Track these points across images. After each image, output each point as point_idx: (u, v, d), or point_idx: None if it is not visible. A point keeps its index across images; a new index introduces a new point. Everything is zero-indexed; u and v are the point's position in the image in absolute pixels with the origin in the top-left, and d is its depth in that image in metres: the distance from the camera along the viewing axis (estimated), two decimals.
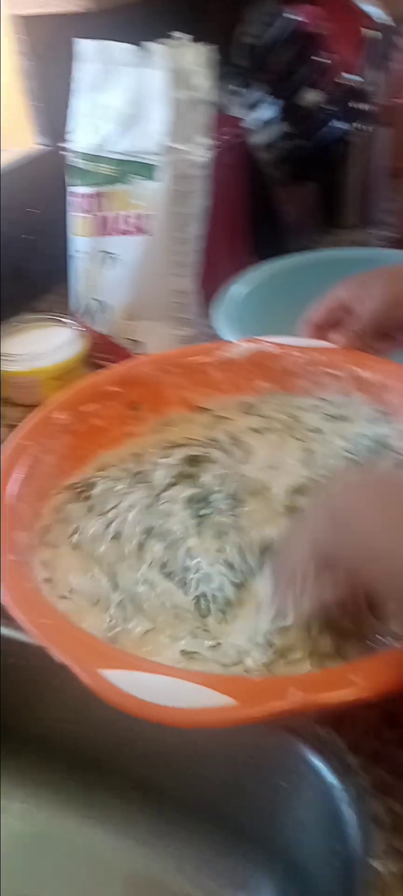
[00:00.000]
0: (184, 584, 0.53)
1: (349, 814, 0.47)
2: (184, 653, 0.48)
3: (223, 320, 0.86)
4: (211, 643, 0.48)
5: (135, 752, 0.61)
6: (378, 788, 0.47)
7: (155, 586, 0.53)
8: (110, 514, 0.58)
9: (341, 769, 0.49)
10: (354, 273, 0.73)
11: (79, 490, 0.61)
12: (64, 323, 0.92)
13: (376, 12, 1.24)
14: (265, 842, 0.58)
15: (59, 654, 0.42)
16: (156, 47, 0.77)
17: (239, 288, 0.94)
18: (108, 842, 0.64)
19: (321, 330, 0.73)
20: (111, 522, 0.58)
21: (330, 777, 0.49)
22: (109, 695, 0.39)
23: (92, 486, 0.61)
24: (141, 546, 0.56)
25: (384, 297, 0.67)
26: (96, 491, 0.60)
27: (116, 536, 0.57)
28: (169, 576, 0.54)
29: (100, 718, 0.60)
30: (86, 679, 0.40)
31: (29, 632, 0.44)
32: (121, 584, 0.53)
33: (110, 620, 0.50)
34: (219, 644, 0.48)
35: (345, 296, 0.71)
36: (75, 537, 0.57)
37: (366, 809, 0.46)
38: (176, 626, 0.50)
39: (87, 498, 0.60)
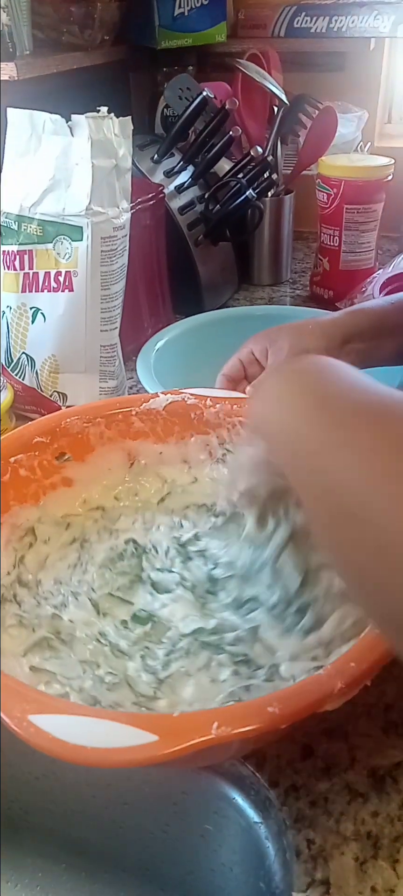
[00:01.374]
0: None
1: (271, 849, 0.47)
2: None
3: (145, 373, 0.86)
4: None
5: (60, 810, 0.59)
6: (298, 821, 0.47)
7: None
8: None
9: (262, 805, 0.48)
10: (266, 328, 0.75)
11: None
12: None
13: (279, 92, 1.30)
14: (193, 889, 0.57)
15: None
16: (79, 119, 0.77)
17: (159, 342, 0.94)
18: None
19: (234, 381, 0.74)
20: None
21: (251, 814, 0.49)
22: (36, 740, 0.37)
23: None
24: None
25: (287, 351, 0.70)
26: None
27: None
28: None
29: (24, 777, 0.58)
30: (14, 726, 0.38)
31: None
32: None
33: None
34: None
35: (255, 349, 0.73)
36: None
37: (287, 843, 0.45)
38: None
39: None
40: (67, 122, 0.78)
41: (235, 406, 0.69)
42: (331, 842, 0.46)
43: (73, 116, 0.78)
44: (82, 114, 0.77)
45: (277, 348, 0.70)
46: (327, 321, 0.73)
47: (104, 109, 0.77)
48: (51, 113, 0.79)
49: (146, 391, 0.82)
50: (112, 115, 0.78)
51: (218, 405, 0.69)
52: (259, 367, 0.71)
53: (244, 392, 0.73)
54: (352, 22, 1.41)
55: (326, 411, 0.38)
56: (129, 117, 0.81)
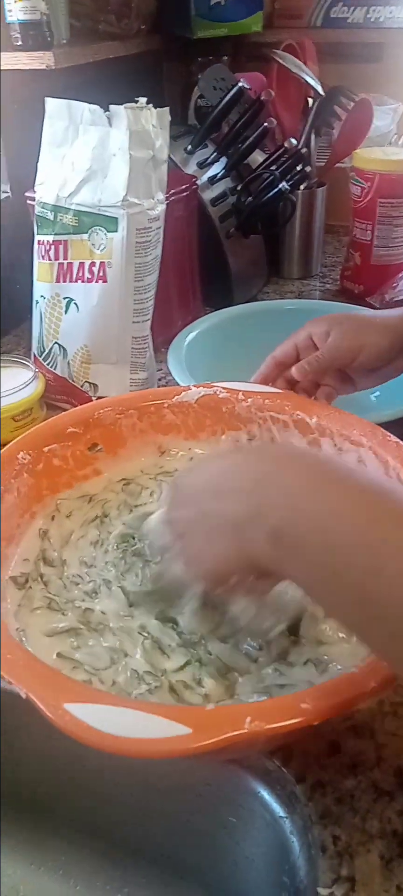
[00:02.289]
0: None
1: (296, 844, 0.47)
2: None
3: (176, 365, 0.86)
4: None
5: (83, 796, 0.60)
6: (324, 817, 0.47)
7: None
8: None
9: (288, 800, 0.49)
10: (296, 323, 0.74)
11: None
12: (22, 364, 0.91)
13: (315, 83, 1.29)
14: (215, 880, 0.57)
15: (22, 690, 0.40)
16: (117, 109, 0.77)
17: (190, 335, 0.95)
18: (58, 888, 0.62)
19: (283, 366, 0.72)
20: None
21: (277, 808, 0.49)
22: (71, 728, 0.38)
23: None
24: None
25: (349, 340, 0.68)
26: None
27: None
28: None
29: (50, 763, 0.58)
30: (50, 713, 0.39)
31: None
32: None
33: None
34: None
35: (315, 332, 0.70)
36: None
37: (313, 839, 0.46)
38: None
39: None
40: (105, 111, 0.79)
41: (267, 400, 0.69)
42: (357, 839, 0.46)
43: (112, 107, 0.78)
44: (116, 104, 0.78)
45: (340, 333, 0.68)
46: (394, 318, 0.69)
47: (143, 100, 0.78)
48: (85, 102, 0.80)
49: (176, 383, 0.82)
50: (150, 105, 0.78)
51: (249, 399, 0.70)
52: (314, 350, 0.69)
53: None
54: (390, 12, 1.40)
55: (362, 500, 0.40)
56: (167, 108, 0.81)
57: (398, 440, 0.62)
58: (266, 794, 0.50)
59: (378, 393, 0.88)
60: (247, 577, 0.45)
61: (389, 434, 0.63)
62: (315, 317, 0.75)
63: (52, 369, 0.90)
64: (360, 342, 0.68)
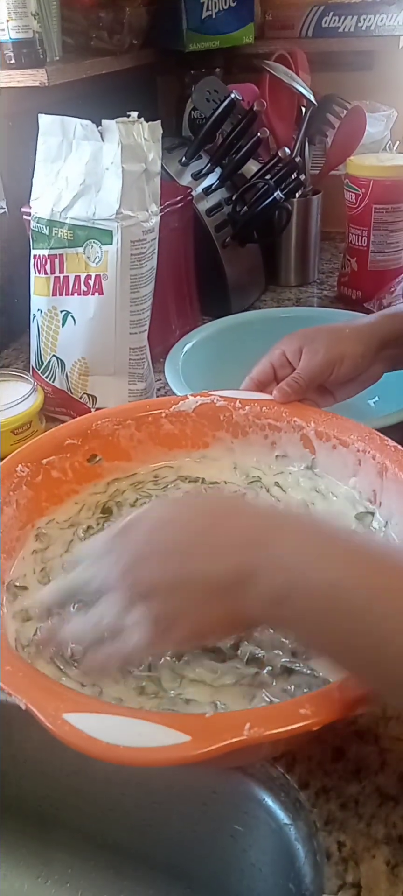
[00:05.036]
0: None
1: (301, 851, 0.46)
2: None
3: (173, 375, 0.86)
4: None
5: (89, 808, 0.60)
6: (329, 823, 0.47)
7: None
8: None
9: (292, 807, 0.48)
10: (294, 330, 0.74)
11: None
12: (21, 377, 0.91)
13: (307, 92, 1.30)
14: (221, 888, 0.57)
15: (22, 701, 0.40)
16: (109, 124, 0.78)
17: (188, 345, 0.95)
18: None
19: (263, 385, 0.72)
20: None
21: (281, 815, 0.49)
22: (71, 738, 0.38)
23: None
24: None
25: (324, 355, 0.68)
26: None
27: None
28: None
29: (55, 775, 0.58)
30: (49, 724, 0.39)
31: None
32: None
33: None
34: None
35: (288, 350, 0.71)
36: None
37: (318, 845, 0.45)
38: None
39: None
40: (97, 126, 0.79)
41: (265, 408, 0.69)
42: (362, 845, 0.46)
43: (104, 122, 0.79)
44: (110, 118, 0.78)
45: (312, 350, 0.68)
46: (364, 325, 0.71)
47: (134, 114, 0.78)
48: (79, 118, 0.81)
49: (174, 393, 0.82)
50: (142, 119, 0.79)
51: (247, 407, 0.70)
52: (290, 368, 0.70)
53: (271, 394, 0.72)
54: (381, 20, 1.40)
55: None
56: (159, 121, 0.82)
57: (396, 444, 0.62)
58: (270, 802, 0.50)
59: (376, 398, 0.88)
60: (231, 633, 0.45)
61: (387, 438, 0.63)
62: (313, 324, 0.75)
63: (50, 382, 0.91)
64: (334, 355, 0.68)
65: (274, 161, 1.18)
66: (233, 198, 1.18)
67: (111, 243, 0.81)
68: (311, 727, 0.37)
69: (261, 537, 0.42)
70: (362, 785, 0.49)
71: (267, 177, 1.17)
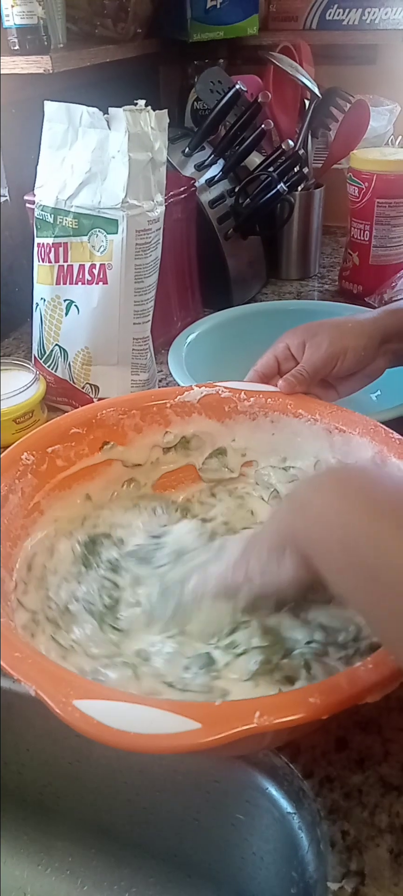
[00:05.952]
0: None
1: (305, 840, 0.47)
2: None
3: (177, 366, 0.86)
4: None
5: (90, 796, 0.60)
6: (332, 812, 0.47)
7: None
8: None
9: (295, 796, 0.49)
10: (295, 323, 0.75)
11: None
12: (23, 367, 0.91)
13: (311, 85, 1.30)
14: (224, 877, 0.57)
15: (31, 687, 0.40)
16: (116, 111, 0.78)
17: (191, 336, 0.95)
18: (65, 889, 0.62)
19: (267, 378, 0.73)
20: None
21: (285, 804, 0.49)
22: (81, 725, 0.38)
23: None
24: None
25: (327, 348, 0.68)
26: None
27: None
28: None
29: (56, 764, 0.58)
30: (59, 710, 0.39)
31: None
32: None
33: None
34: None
35: (291, 344, 0.71)
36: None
37: (321, 834, 0.46)
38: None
39: None
40: (104, 114, 0.79)
41: (269, 399, 0.69)
42: (366, 833, 0.46)
43: (111, 109, 0.78)
44: (112, 106, 0.78)
45: (316, 343, 0.69)
46: (367, 319, 0.71)
47: (141, 102, 0.78)
48: (83, 105, 0.80)
49: (177, 384, 0.82)
50: (149, 108, 0.78)
51: (252, 398, 0.70)
52: (294, 362, 0.71)
53: (276, 386, 0.72)
54: (385, 14, 1.40)
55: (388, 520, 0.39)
56: (165, 110, 0.81)
57: (401, 437, 0.62)
58: (274, 791, 0.50)
59: (378, 392, 0.89)
60: None
61: (392, 431, 0.63)
62: (314, 318, 0.75)
63: (52, 371, 0.91)
64: (337, 349, 0.69)
65: (277, 153, 1.18)
66: (236, 190, 1.18)
67: (116, 232, 0.81)
68: (321, 716, 0.38)
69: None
70: (365, 774, 0.50)
71: (270, 169, 1.16)
